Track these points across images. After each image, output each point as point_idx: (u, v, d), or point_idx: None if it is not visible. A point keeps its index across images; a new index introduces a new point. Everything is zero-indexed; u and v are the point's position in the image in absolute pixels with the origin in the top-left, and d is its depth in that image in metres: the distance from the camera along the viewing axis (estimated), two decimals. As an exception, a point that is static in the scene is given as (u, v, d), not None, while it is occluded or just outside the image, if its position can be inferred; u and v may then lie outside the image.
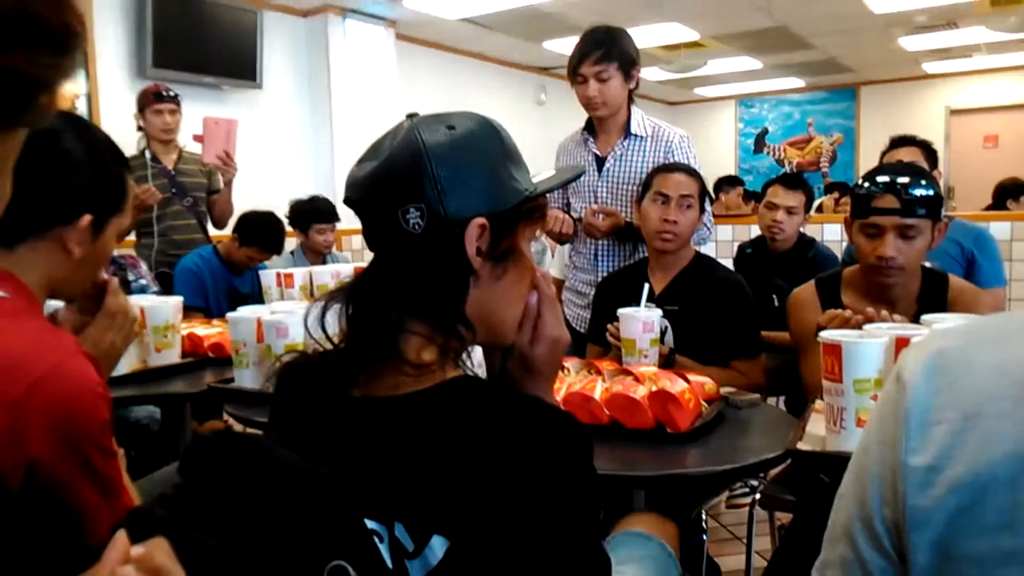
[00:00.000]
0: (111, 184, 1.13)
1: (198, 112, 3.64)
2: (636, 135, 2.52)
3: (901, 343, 1.33)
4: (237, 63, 5.05)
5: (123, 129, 3.66)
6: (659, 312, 1.95)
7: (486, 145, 0.89)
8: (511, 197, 0.89)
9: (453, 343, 0.87)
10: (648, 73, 8.14)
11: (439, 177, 0.84)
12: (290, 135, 5.56)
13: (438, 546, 0.76)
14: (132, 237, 3.53)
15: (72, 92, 4.22)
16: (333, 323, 0.91)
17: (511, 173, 0.90)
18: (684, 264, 2.22)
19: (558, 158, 2.73)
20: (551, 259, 4.49)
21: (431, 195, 0.84)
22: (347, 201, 0.90)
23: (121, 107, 4.24)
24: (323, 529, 0.66)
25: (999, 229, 4.45)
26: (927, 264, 1.86)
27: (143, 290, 2.93)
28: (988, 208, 5.87)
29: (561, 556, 0.78)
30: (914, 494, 0.58)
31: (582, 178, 2.60)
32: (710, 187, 5.98)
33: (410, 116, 0.91)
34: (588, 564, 0.82)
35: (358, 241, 5.70)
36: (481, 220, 0.86)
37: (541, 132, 6.03)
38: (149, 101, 3.42)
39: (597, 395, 1.54)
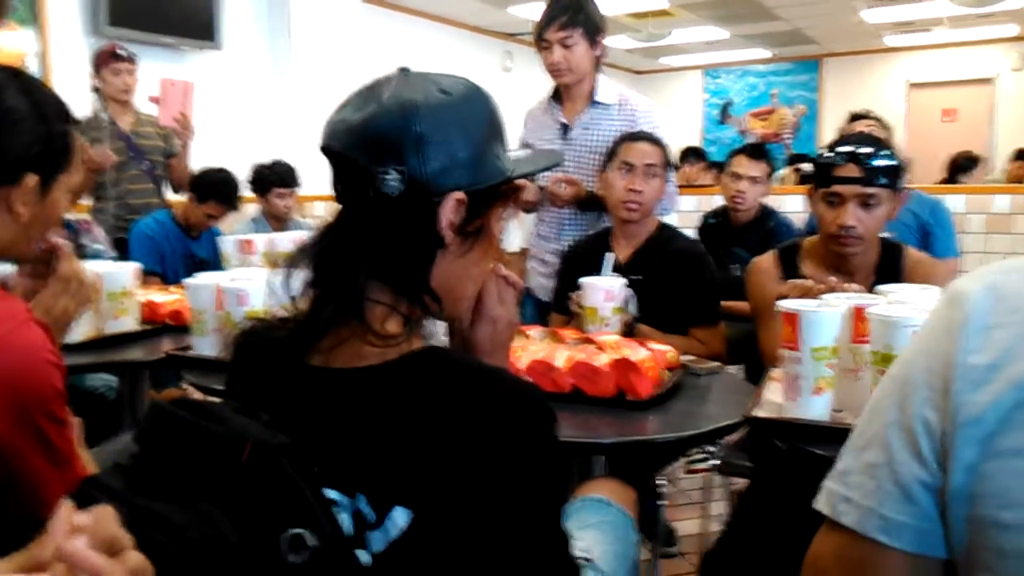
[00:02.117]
0: (57, 141, 1.09)
1: (155, 73, 3.54)
2: (602, 103, 2.52)
3: (858, 313, 1.36)
4: (195, 23, 4.91)
5: (77, 89, 3.55)
6: (621, 281, 1.96)
7: (477, 117, 0.87)
8: (492, 175, 0.88)
9: (416, 313, 0.86)
10: (615, 41, 8.10)
11: (425, 143, 0.82)
12: (250, 98, 5.44)
13: (400, 517, 0.76)
14: (87, 201, 3.45)
15: (22, 50, 4.07)
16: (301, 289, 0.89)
17: (495, 149, 0.89)
18: (648, 234, 2.23)
19: (525, 125, 2.72)
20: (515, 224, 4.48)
21: (414, 160, 0.82)
22: (325, 149, 0.87)
23: (75, 67, 4.11)
24: (281, 497, 0.66)
25: (954, 201, 4.53)
26: (884, 235, 1.89)
27: (98, 255, 2.87)
28: (942, 181, 5.98)
29: (522, 530, 0.79)
30: (969, 391, 0.60)
31: (547, 146, 2.59)
32: (675, 157, 6.00)
33: (402, 70, 0.88)
34: (548, 538, 0.82)
35: (321, 208, 5.63)
36: (460, 195, 0.84)
37: (508, 100, 5.97)
38: (106, 61, 3.32)
39: (559, 363, 1.55)
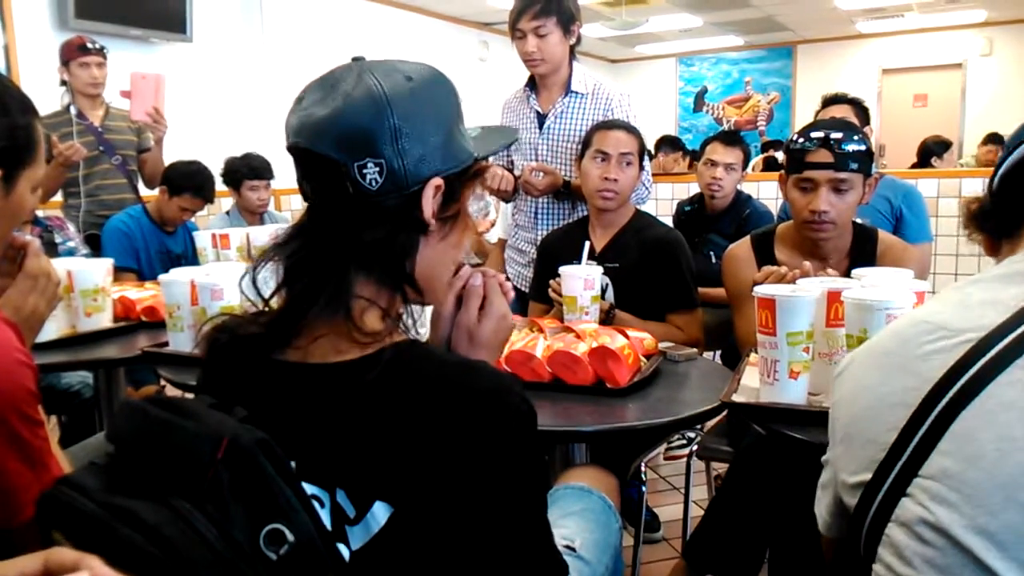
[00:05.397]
0: (20, 135, 1.06)
1: (124, 66, 3.49)
2: (577, 92, 2.52)
3: (833, 297, 1.37)
4: (165, 14, 4.85)
5: (44, 83, 3.49)
6: (599, 269, 1.97)
7: (443, 101, 0.87)
8: (463, 158, 0.88)
9: (396, 305, 0.86)
10: (589, 30, 8.09)
11: (401, 133, 0.81)
12: (223, 91, 5.38)
13: (380, 512, 0.76)
14: (59, 198, 3.40)
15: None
16: (274, 283, 0.88)
17: (461, 131, 0.89)
18: (624, 222, 2.24)
19: (503, 116, 2.71)
20: (494, 214, 4.48)
21: (391, 151, 0.81)
22: (293, 148, 0.85)
23: (42, 60, 4.04)
24: (258, 492, 0.65)
25: (926, 186, 4.59)
26: (857, 220, 1.91)
27: (71, 253, 2.83)
28: (913, 166, 6.04)
29: (504, 523, 0.79)
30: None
31: (523, 135, 2.59)
32: (651, 146, 6.00)
33: (356, 59, 0.87)
34: (531, 531, 0.82)
35: (298, 201, 5.57)
36: (438, 181, 0.84)
37: (484, 90, 5.95)
38: (74, 54, 3.26)
39: (539, 353, 1.55)
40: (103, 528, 0.62)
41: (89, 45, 3.27)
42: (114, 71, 3.40)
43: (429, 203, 0.84)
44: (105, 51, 3.33)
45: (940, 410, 0.73)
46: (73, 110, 3.29)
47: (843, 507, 0.87)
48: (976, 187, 4.87)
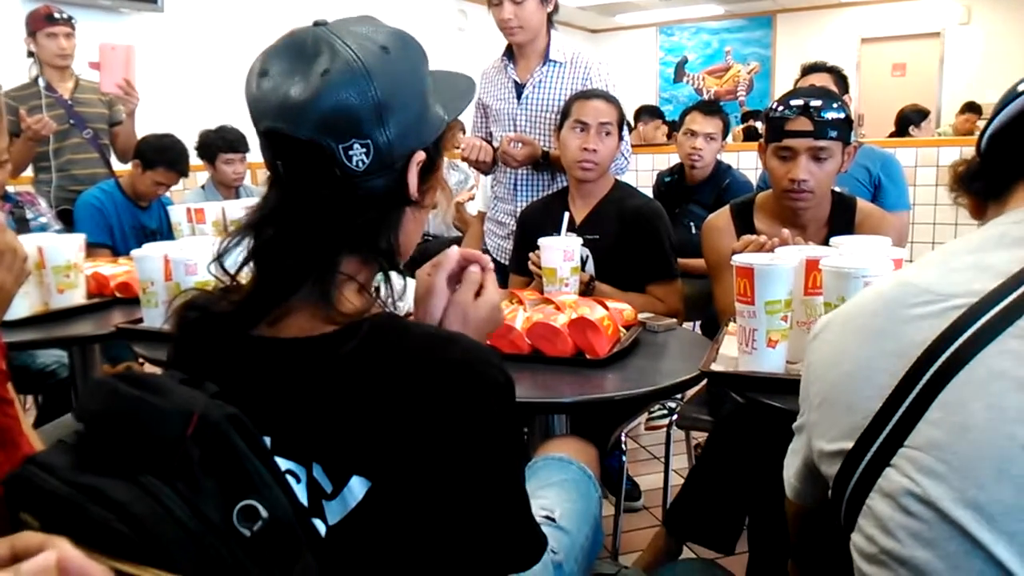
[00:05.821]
0: None
1: (94, 37, 3.41)
2: (555, 61, 2.49)
3: (811, 265, 1.37)
4: (134, -16, 4.75)
5: (11, 55, 3.41)
6: (579, 240, 1.96)
7: (417, 69, 0.85)
8: (438, 125, 0.87)
9: (373, 277, 0.85)
10: (568, -1, 8.00)
11: (384, 110, 0.79)
12: (196, 62, 5.28)
13: (358, 487, 0.75)
14: (30, 173, 3.33)
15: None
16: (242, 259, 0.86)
17: (432, 97, 0.87)
18: (604, 193, 2.22)
19: (480, 86, 2.68)
20: (472, 185, 4.46)
21: (376, 130, 0.79)
22: (270, 132, 0.80)
23: (8, 31, 3.94)
24: (230, 469, 0.64)
25: (904, 155, 4.59)
26: (836, 188, 1.91)
27: (44, 228, 2.78)
28: (891, 135, 6.06)
29: (482, 496, 0.78)
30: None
31: (502, 106, 2.56)
32: (630, 116, 5.96)
33: (319, 24, 0.83)
34: (508, 503, 0.82)
35: (274, 174, 5.50)
36: (421, 156, 0.84)
37: (463, 61, 5.86)
38: (40, 24, 3.18)
39: (518, 325, 1.55)
40: (72, 507, 0.61)
41: (56, 15, 3.19)
42: (83, 42, 3.32)
43: (414, 178, 0.84)
44: (73, 21, 3.26)
45: (928, 378, 0.71)
46: (41, 82, 3.21)
47: (813, 473, 0.87)
48: (954, 156, 4.88)
